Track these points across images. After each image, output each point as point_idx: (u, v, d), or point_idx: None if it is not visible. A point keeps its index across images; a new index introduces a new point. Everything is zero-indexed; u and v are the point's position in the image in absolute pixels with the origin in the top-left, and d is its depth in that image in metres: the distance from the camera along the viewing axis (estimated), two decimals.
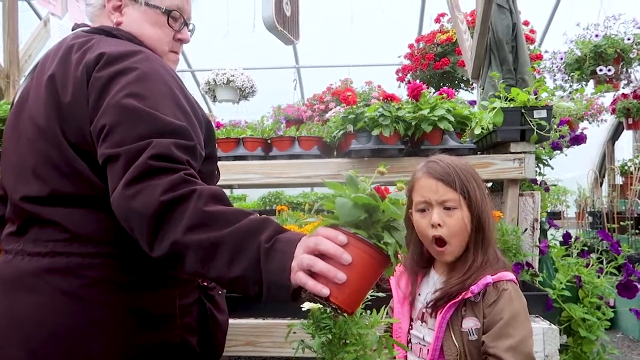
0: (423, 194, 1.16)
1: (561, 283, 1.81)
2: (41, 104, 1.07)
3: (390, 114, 1.99)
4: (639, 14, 4.39)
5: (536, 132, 1.93)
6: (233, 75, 4.63)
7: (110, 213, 0.97)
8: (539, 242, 1.98)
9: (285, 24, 2.64)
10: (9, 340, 1.02)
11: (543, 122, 1.93)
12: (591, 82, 4.48)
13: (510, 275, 1.14)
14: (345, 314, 0.92)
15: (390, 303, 1.31)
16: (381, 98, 2.10)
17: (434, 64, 3.87)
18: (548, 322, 1.65)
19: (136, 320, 1.05)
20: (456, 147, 2.07)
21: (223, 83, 4.63)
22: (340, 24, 6.08)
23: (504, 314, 1.08)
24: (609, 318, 1.84)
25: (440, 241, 1.15)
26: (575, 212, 5.15)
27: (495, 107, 1.95)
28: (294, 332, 1.14)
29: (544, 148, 2.28)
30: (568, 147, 2.40)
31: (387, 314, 1.18)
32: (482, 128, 1.95)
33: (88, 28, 1.20)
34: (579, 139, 2.47)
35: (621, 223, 4.40)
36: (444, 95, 2.20)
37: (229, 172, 2.12)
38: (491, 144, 2.10)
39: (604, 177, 6.09)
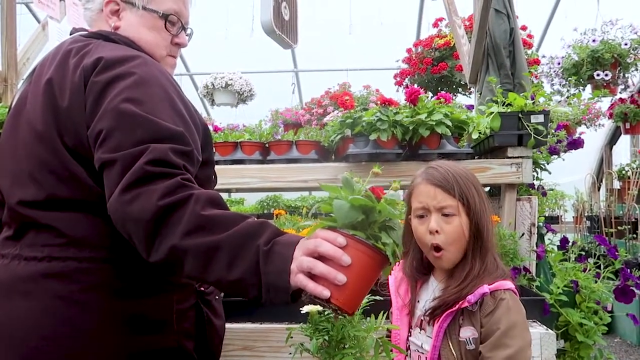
0: (421, 200, 1.16)
1: (558, 288, 1.81)
2: (39, 108, 1.07)
3: (388, 118, 1.99)
4: (636, 20, 4.42)
5: (533, 136, 1.93)
6: (231, 79, 4.63)
7: (106, 218, 0.97)
8: (536, 246, 1.98)
9: (283, 28, 2.65)
10: (3, 344, 1.02)
11: (540, 127, 1.93)
12: (588, 87, 4.49)
13: (508, 284, 1.13)
14: (345, 315, 0.93)
15: (390, 309, 1.30)
16: (379, 102, 2.10)
17: (432, 68, 3.88)
18: (545, 327, 1.65)
19: (133, 325, 1.05)
20: (454, 152, 2.07)
21: (221, 87, 4.63)
22: (338, 29, 6.10)
23: (501, 324, 1.07)
24: (606, 323, 1.84)
25: (437, 248, 1.14)
26: (573, 217, 5.16)
27: (493, 112, 1.96)
28: (291, 337, 1.14)
29: (541, 152, 2.28)
30: (565, 151, 2.41)
31: (387, 318, 1.18)
32: (480, 133, 1.96)
33: (86, 32, 1.20)
34: (576, 144, 2.48)
35: (619, 227, 4.41)
36: (442, 99, 2.21)
37: (226, 176, 2.12)
38: (489, 148, 2.11)
39: (601, 181, 6.10)
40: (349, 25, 6.02)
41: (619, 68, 4.32)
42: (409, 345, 1.23)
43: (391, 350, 1.09)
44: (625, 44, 4.25)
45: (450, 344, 1.11)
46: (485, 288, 1.10)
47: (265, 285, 0.88)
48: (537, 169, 2.29)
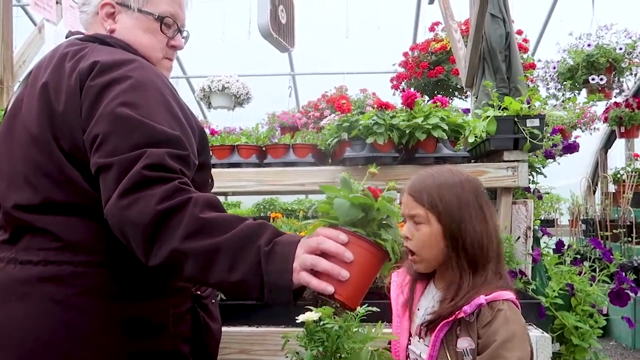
0: (402, 208, 1.20)
1: (554, 291, 1.82)
2: (34, 111, 1.07)
3: (385, 122, 2.00)
4: (630, 24, 4.45)
5: (529, 140, 1.94)
6: (228, 82, 4.64)
7: (102, 221, 0.97)
8: (532, 250, 1.99)
9: (280, 32, 2.65)
10: (1, 346, 1.01)
11: (536, 131, 1.94)
12: (584, 91, 4.52)
13: (507, 294, 1.10)
14: (348, 310, 0.97)
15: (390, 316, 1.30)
16: (376, 106, 2.11)
17: (428, 72, 3.90)
18: (541, 330, 1.65)
19: (129, 329, 1.05)
20: (450, 156, 2.08)
21: (218, 90, 4.64)
22: (335, 32, 6.12)
23: (497, 336, 1.05)
24: (601, 326, 1.84)
25: (411, 252, 1.17)
26: (569, 220, 5.18)
27: (489, 116, 1.97)
28: (289, 341, 1.13)
29: (537, 156, 2.29)
30: (561, 155, 2.42)
31: (385, 322, 1.18)
32: (476, 136, 1.96)
33: (82, 36, 1.20)
34: (571, 148, 2.49)
35: (614, 231, 4.43)
36: (438, 103, 2.21)
37: (223, 179, 2.12)
38: (485, 152, 2.11)
39: (596, 185, 6.13)
40: (346, 29, 6.04)
41: (613, 72, 4.35)
42: (409, 354, 1.23)
43: None
44: (620, 49, 4.28)
45: (448, 354, 1.10)
46: (482, 299, 1.08)
47: (268, 285, 0.89)
48: (532, 172, 2.30)
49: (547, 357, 1.58)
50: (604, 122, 5.23)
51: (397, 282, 1.31)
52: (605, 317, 1.89)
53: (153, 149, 0.95)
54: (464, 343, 1.09)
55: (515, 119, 1.97)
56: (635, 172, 4.88)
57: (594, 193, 5.95)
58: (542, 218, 5.20)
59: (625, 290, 1.93)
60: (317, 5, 5.89)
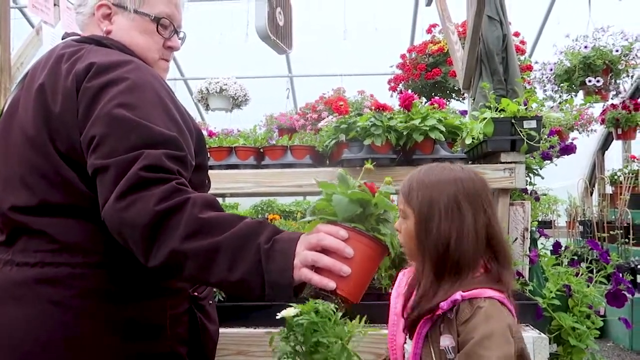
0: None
1: (551, 292, 1.82)
2: (30, 113, 1.07)
3: (382, 123, 2.00)
4: (627, 26, 4.47)
5: (526, 142, 1.94)
6: (226, 84, 4.64)
7: (99, 223, 0.97)
8: (529, 251, 1.99)
9: (278, 34, 2.66)
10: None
11: (533, 132, 1.94)
12: (580, 93, 4.53)
13: (489, 292, 1.06)
14: (350, 305, 0.98)
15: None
16: (373, 108, 2.11)
17: (426, 74, 3.90)
18: (538, 331, 1.66)
19: (126, 330, 1.05)
20: (447, 157, 2.08)
21: (216, 92, 4.64)
22: (333, 34, 6.12)
23: (475, 333, 1.01)
24: (598, 327, 1.84)
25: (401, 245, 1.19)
26: (566, 221, 5.20)
27: (486, 118, 1.97)
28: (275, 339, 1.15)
29: (534, 158, 2.29)
30: (558, 157, 2.42)
31: (368, 322, 1.17)
32: (473, 138, 1.96)
33: (78, 37, 1.20)
34: (568, 149, 2.49)
35: (611, 232, 4.45)
36: (435, 105, 2.22)
37: (221, 180, 2.12)
38: (482, 153, 2.12)
39: (594, 186, 6.15)
40: (344, 31, 6.05)
41: (610, 74, 4.36)
42: (404, 352, 1.22)
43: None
44: (617, 51, 4.30)
45: (432, 352, 1.07)
46: (458, 295, 1.04)
47: (269, 284, 0.89)
48: (530, 174, 2.30)
49: (544, 358, 1.58)
50: (601, 123, 5.25)
51: (400, 279, 1.31)
52: (602, 318, 1.90)
53: (150, 150, 0.95)
54: (446, 341, 1.06)
55: (513, 121, 1.97)
56: (632, 174, 4.90)
57: (591, 194, 5.96)
58: (540, 219, 5.19)
59: (622, 292, 1.93)
60: (315, 8, 5.90)
